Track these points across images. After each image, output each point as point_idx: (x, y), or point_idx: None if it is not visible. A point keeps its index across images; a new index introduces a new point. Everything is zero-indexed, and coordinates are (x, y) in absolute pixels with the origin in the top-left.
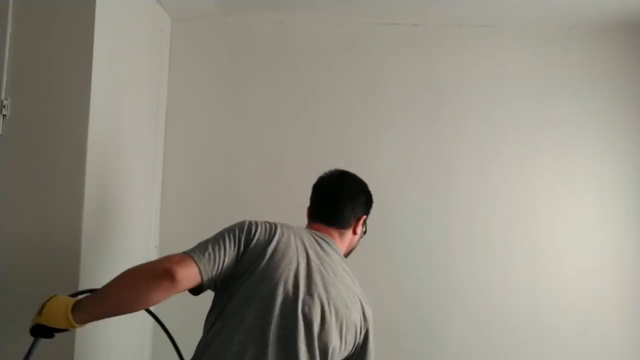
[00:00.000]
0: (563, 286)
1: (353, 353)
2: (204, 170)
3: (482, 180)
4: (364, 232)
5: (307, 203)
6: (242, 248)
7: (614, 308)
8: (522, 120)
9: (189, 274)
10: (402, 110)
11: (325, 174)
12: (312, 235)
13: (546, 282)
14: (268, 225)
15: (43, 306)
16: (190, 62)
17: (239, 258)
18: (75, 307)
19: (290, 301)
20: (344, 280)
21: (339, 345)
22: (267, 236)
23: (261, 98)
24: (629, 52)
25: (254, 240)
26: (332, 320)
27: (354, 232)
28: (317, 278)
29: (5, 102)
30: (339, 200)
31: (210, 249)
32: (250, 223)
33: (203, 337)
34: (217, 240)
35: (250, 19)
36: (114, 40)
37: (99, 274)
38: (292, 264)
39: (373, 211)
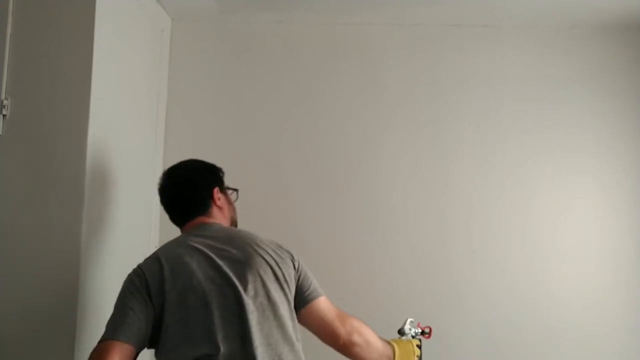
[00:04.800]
0: (563, 286)
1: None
2: None
3: (481, 180)
4: (236, 197)
5: (307, 202)
6: (146, 297)
7: (614, 308)
8: (522, 121)
9: (121, 356)
10: (402, 110)
11: (160, 181)
12: (187, 239)
13: (546, 282)
14: (151, 263)
15: None
16: (191, 62)
17: (150, 308)
18: None
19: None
20: (245, 245)
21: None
22: (157, 276)
23: (261, 98)
24: (629, 52)
25: (151, 285)
26: (260, 286)
27: (218, 206)
28: (213, 270)
29: (5, 102)
30: (178, 201)
31: (118, 320)
32: (136, 273)
33: None
34: (119, 308)
35: (250, 19)
36: (114, 40)
37: (99, 274)
38: (193, 280)
39: (374, 211)
